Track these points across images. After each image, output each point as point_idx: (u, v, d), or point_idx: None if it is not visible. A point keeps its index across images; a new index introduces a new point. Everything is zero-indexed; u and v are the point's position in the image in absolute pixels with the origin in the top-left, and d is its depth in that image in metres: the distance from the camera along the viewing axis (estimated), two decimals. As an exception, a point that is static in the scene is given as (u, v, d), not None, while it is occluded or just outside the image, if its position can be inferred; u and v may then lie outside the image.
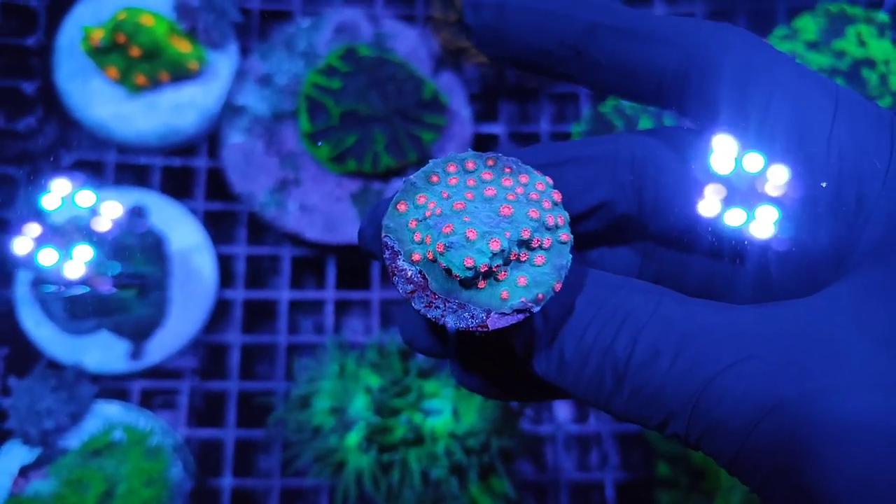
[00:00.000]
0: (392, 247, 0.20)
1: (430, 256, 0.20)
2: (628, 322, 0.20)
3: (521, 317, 0.19)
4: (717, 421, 0.19)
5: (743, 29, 0.22)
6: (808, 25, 0.50)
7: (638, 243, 0.26)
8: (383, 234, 0.20)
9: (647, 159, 0.24)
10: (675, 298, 0.20)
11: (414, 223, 0.20)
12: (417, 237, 0.20)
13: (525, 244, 0.20)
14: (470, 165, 0.21)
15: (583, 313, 0.20)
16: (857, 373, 0.18)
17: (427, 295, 0.20)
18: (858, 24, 0.49)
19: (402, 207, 0.20)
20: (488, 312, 0.19)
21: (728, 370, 0.19)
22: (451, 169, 0.21)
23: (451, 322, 0.20)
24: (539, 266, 0.20)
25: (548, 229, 0.20)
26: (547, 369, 0.21)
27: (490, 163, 0.21)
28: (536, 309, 0.19)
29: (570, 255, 0.20)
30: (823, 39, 0.50)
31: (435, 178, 0.21)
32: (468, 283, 0.19)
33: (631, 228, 0.25)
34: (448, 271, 0.19)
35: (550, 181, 0.20)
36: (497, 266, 0.19)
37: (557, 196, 0.20)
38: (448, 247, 0.19)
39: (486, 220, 0.19)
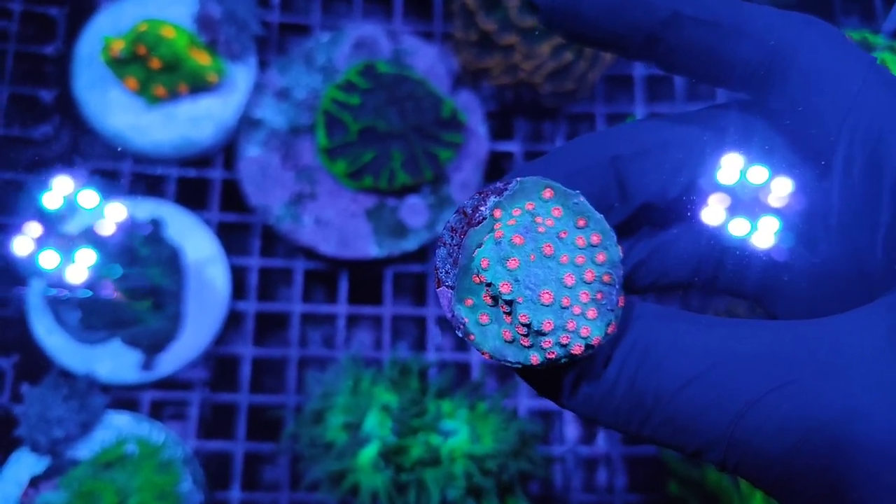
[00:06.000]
0: (484, 202, 0.20)
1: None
2: (650, 354, 0.20)
3: (465, 339, 0.20)
4: (757, 448, 0.19)
5: (830, 25, 0.22)
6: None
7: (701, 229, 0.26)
8: (494, 195, 0.20)
9: (727, 143, 0.24)
10: (696, 323, 0.20)
11: (512, 223, 0.20)
12: (497, 226, 0.20)
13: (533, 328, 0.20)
14: (595, 239, 0.20)
15: (601, 349, 0.20)
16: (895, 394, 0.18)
17: (455, 252, 0.21)
18: (881, 52, 0.50)
19: (529, 206, 0.20)
20: (460, 314, 0.20)
21: (765, 396, 0.19)
22: (580, 223, 0.20)
23: (442, 276, 0.21)
24: (521, 344, 0.20)
25: (558, 342, 0.20)
26: (574, 404, 0.21)
27: (600, 258, 0.20)
28: (477, 350, 0.20)
29: (541, 363, 0.20)
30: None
31: (557, 213, 0.20)
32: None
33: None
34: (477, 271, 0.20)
35: (613, 329, 0.20)
36: (502, 305, 0.20)
37: (596, 341, 0.20)
38: (490, 267, 0.20)
39: (532, 285, 0.19)
